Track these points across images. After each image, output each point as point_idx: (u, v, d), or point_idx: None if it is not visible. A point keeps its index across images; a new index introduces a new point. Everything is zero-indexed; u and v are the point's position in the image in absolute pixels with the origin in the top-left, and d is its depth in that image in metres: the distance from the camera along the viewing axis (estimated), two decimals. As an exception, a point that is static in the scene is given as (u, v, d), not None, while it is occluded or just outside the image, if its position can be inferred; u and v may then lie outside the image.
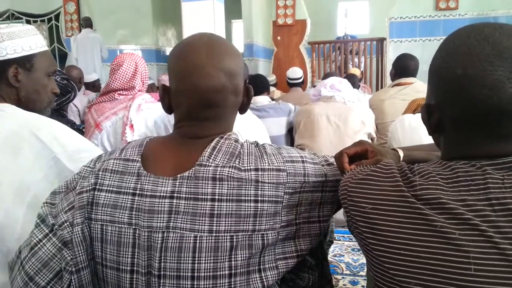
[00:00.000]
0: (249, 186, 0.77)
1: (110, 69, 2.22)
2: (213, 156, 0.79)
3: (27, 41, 1.12)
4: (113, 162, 0.84)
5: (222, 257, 0.75)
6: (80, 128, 2.72)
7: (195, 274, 0.75)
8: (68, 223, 0.81)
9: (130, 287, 0.79)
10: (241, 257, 0.76)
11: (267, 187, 0.77)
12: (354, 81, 4.01)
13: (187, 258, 0.75)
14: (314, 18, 7.17)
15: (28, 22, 7.51)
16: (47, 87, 1.18)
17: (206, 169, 0.77)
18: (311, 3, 7.23)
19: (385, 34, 6.26)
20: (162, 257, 0.76)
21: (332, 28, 8.00)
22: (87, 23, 6.49)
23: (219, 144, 0.81)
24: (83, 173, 0.86)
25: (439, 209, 0.62)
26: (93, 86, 4.60)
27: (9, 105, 1.08)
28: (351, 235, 2.45)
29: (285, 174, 0.79)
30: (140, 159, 0.83)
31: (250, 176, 0.77)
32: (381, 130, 2.85)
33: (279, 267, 0.80)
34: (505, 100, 0.62)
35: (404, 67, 2.85)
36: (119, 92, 2.17)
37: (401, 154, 0.92)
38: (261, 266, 0.78)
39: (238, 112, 0.91)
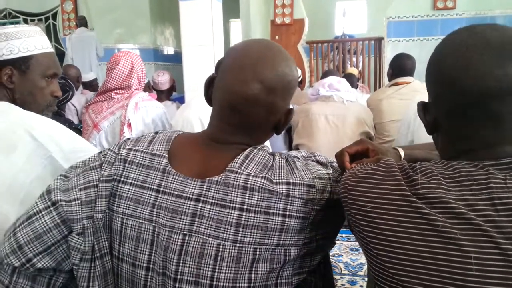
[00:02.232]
0: (279, 200, 0.75)
1: (107, 68, 2.21)
2: (245, 164, 0.77)
3: (25, 42, 1.11)
4: (140, 155, 0.82)
5: (243, 269, 0.74)
6: (78, 128, 2.71)
7: (214, 282, 0.73)
8: (79, 201, 0.79)
9: (144, 284, 0.78)
10: (261, 270, 0.74)
11: (296, 202, 0.76)
12: (352, 80, 4.01)
13: (208, 265, 0.74)
14: (312, 18, 7.17)
15: (25, 21, 7.48)
16: (44, 89, 1.16)
17: (238, 177, 0.75)
18: (309, 2, 7.23)
19: (383, 34, 6.27)
20: (181, 261, 0.75)
21: (330, 28, 7.99)
22: (82, 22, 6.45)
23: (252, 154, 0.79)
24: (108, 158, 0.83)
25: (441, 208, 0.62)
26: (91, 85, 4.58)
27: (5, 103, 1.08)
28: (350, 235, 2.46)
29: (315, 190, 0.78)
30: (166, 155, 0.81)
31: (281, 189, 0.75)
32: (379, 130, 2.85)
33: (293, 282, 0.79)
34: (490, 83, 0.63)
35: (401, 66, 2.85)
36: (116, 91, 2.16)
37: (402, 153, 0.92)
38: (279, 281, 0.77)
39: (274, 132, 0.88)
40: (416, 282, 0.61)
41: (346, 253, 2.34)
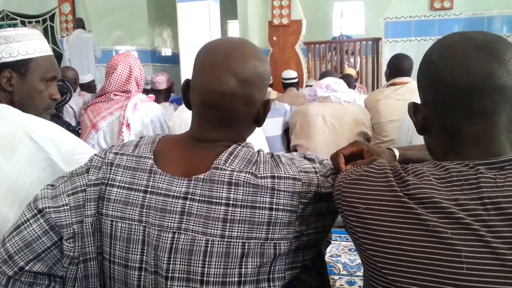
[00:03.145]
0: (265, 193, 0.76)
1: (105, 71, 2.20)
2: (229, 160, 0.78)
3: (24, 45, 1.11)
4: (126, 159, 0.83)
5: (232, 264, 0.74)
6: (76, 130, 2.71)
7: (205, 278, 0.74)
8: (68, 207, 0.80)
9: (137, 284, 0.79)
10: (251, 265, 0.75)
11: (282, 195, 0.76)
12: (350, 81, 4.02)
13: (198, 262, 0.75)
14: (310, 18, 7.18)
15: (22, 23, 7.48)
16: (43, 92, 1.17)
17: (222, 173, 0.76)
18: (307, 3, 7.24)
19: (381, 34, 6.28)
20: (172, 258, 0.76)
21: (328, 28, 8.00)
22: (79, 23, 6.46)
23: (237, 150, 0.80)
24: (94, 163, 0.85)
25: (432, 208, 0.63)
26: (89, 87, 4.58)
27: (5, 105, 1.08)
28: (348, 235, 2.45)
29: (301, 183, 0.78)
30: (152, 156, 0.82)
31: (266, 183, 0.76)
32: (376, 130, 2.86)
33: (286, 277, 0.80)
34: (473, 78, 0.66)
35: (398, 66, 2.85)
36: (115, 92, 2.17)
37: (397, 153, 0.93)
38: (271, 276, 0.78)
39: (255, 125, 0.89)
40: (409, 282, 0.62)
41: (345, 254, 2.34)
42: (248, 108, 0.83)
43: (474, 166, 0.66)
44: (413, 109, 0.78)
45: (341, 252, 2.36)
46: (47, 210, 0.79)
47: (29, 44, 1.12)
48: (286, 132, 2.97)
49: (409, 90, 2.73)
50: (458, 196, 0.63)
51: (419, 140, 0.84)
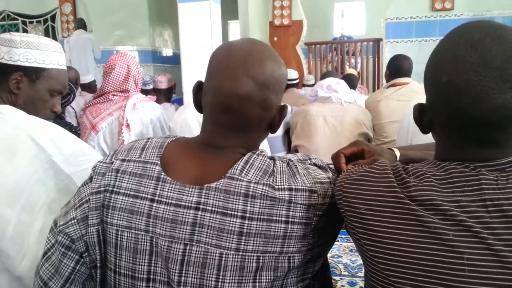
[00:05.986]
0: (282, 206, 0.73)
1: (103, 71, 2.20)
2: (245, 170, 0.75)
3: (43, 54, 1.13)
4: (133, 165, 0.80)
5: (246, 278, 0.72)
6: (77, 131, 2.71)
7: None
8: (75, 220, 0.79)
9: None
10: (265, 279, 0.73)
11: (298, 208, 0.74)
12: (352, 81, 4.02)
13: (211, 275, 0.72)
14: (311, 19, 7.17)
15: (24, 23, 7.49)
16: (46, 103, 1.18)
17: (238, 184, 0.73)
18: (308, 3, 7.23)
19: (381, 35, 6.28)
20: (184, 271, 0.73)
21: (329, 29, 7.99)
22: (79, 24, 6.46)
23: (252, 159, 0.77)
24: (99, 169, 0.82)
25: (433, 210, 0.62)
26: (89, 87, 4.57)
27: (7, 106, 1.08)
28: (349, 236, 2.46)
29: (316, 195, 0.76)
30: (159, 162, 0.79)
31: (283, 196, 0.73)
32: (377, 131, 2.85)
33: None
34: (487, 111, 0.61)
35: (398, 67, 2.85)
36: (113, 93, 2.17)
37: (398, 154, 0.92)
38: None
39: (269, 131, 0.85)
40: (410, 283, 0.61)
41: (346, 254, 2.34)
42: (263, 113, 0.79)
43: (475, 168, 0.65)
44: (419, 111, 0.73)
45: (342, 253, 2.36)
46: (59, 229, 0.80)
47: (48, 54, 1.14)
48: (287, 132, 2.97)
49: (409, 90, 2.73)
50: (459, 197, 0.63)
51: (419, 141, 0.83)
